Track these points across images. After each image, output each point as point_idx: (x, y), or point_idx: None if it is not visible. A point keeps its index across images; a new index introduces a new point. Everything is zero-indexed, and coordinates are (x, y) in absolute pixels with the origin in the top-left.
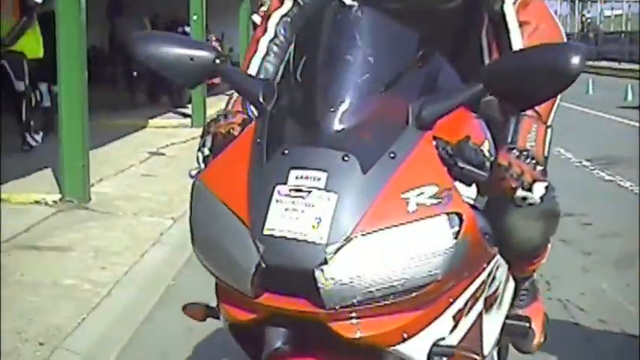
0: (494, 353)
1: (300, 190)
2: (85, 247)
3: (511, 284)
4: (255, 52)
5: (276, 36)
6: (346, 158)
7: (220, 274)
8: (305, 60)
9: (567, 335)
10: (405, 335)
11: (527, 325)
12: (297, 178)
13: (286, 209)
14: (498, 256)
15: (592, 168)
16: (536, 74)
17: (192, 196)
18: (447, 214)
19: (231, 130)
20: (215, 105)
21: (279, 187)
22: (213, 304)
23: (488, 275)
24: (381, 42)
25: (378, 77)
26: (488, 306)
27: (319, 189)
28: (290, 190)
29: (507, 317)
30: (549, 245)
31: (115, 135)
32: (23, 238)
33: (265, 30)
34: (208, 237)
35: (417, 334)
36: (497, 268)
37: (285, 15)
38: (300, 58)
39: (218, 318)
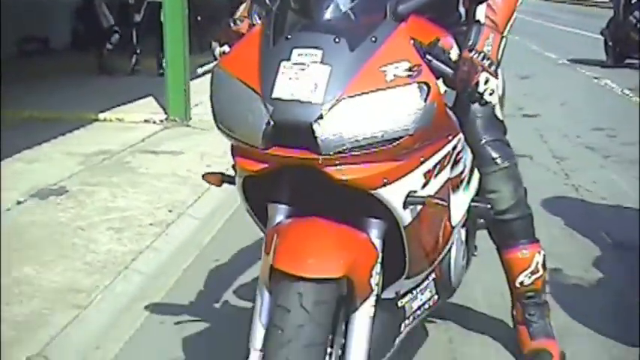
0: (462, 232)
1: (302, 64)
2: (192, 151)
3: (476, 175)
4: None
5: None
6: (337, 40)
7: (237, 135)
8: None
9: (571, 207)
10: (385, 181)
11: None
12: (298, 55)
13: (290, 78)
14: (464, 143)
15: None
16: None
17: (212, 80)
18: (418, 83)
19: (240, 31)
20: None
21: (284, 63)
22: None
23: (454, 149)
24: None
25: None
26: (455, 186)
27: (316, 62)
28: (293, 64)
29: (473, 200)
30: (539, 253)
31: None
32: (140, 145)
33: None
34: (227, 108)
35: (395, 182)
36: (463, 153)
37: None
38: None
39: (233, 183)
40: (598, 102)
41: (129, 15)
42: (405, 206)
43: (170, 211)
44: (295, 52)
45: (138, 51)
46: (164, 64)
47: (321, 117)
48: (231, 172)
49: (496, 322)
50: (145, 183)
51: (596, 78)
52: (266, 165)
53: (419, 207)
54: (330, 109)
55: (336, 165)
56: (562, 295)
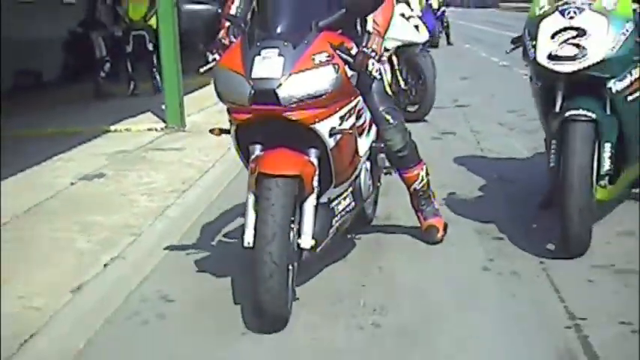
0: (368, 164)
1: (267, 57)
2: (191, 147)
3: (374, 129)
4: (233, 2)
5: None
6: (285, 44)
7: (232, 100)
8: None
9: (475, 161)
10: (317, 120)
11: (437, 231)
12: (265, 52)
13: (261, 65)
14: (364, 105)
15: None
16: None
17: (215, 73)
18: (332, 64)
19: (225, 45)
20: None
21: (257, 57)
22: None
23: (356, 106)
24: None
25: (301, 10)
26: (360, 132)
27: (274, 55)
28: (262, 58)
29: (374, 142)
30: (422, 169)
31: (196, 87)
32: (150, 145)
33: None
34: (225, 86)
35: (323, 120)
36: (364, 111)
37: None
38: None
39: (228, 133)
40: (522, 93)
41: (120, 46)
42: (330, 136)
43: (183, 183)
44: (262, 51)
45: (134, 77)
46: (159, 84)
47: (280, 85)
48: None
49: (413, 227)
50: (161, 168)
51: (526, 75)
52: (250, 115)
53: (338, 136)
54: (285, 80)
55: (289, 112)
56: (454, 206)
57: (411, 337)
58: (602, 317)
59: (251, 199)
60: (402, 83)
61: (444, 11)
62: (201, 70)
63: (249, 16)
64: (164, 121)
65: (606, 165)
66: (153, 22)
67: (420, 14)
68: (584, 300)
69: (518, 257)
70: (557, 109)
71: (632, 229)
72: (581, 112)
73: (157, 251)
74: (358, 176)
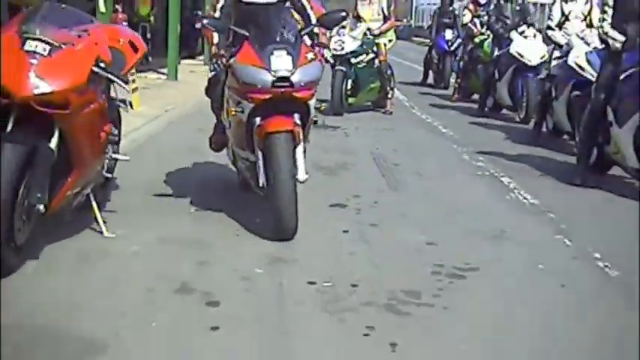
0: None
1: (279, 56)
2: (186, 84)
3: None
4: (217, 2)
5: None
6: (289, 48)
7: (255, 85)
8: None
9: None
10: (311, 97)
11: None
12: (277, 52)
13: (277, 60)
14: None
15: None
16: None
17: (234, 67)
18: (319, 60)
19: (224, 53)
20: None
21: (271, 56)
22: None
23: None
24: (280, 16)
25: (282, 24)
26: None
27: (284, 55)
28: (275, 57)
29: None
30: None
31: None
32: (160, 82)
33: None
34: (246, 76)
35: (312, 98)
36: None
37: None
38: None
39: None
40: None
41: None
42: (314, 110)
43: (169, 110)
44: (275, 52)
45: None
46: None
47: (292, 74)
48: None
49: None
50: (167, 94)
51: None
52: (269, 95)
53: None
54: (295, 71)
55: (297, 92)
56: None
57: None
58: None
59: (260, 153)
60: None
61: None
62: (210, 75)
63: (231, 23)
64: (165, 75)
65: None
66: (152, 18)
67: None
68: None
69: None
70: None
71: None
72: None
73: (159, 131)
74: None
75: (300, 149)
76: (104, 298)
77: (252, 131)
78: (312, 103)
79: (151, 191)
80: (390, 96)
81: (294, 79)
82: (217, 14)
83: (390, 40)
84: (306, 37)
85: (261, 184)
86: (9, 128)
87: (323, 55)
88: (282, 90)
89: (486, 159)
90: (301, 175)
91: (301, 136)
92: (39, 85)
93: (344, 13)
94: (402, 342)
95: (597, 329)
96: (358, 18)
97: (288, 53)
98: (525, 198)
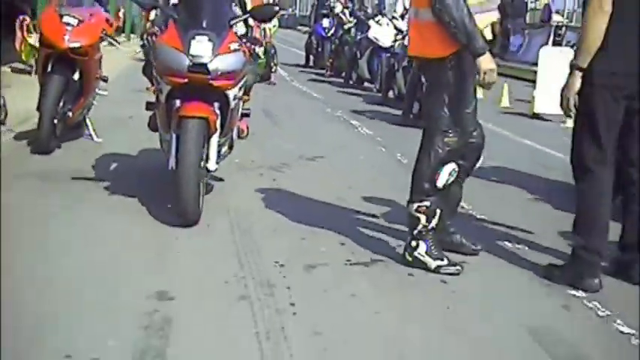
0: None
1: (200, 41)
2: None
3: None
4: None
5: None
6: (212, 35)
7: (171, 67)
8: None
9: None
10: (229, 87)
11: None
12: (198, 37)
13: (197, 45)
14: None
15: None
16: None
17: (155, 46)
18: (242, 51)
19: (156, 32)
20: None
21: (192, 40)
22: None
23: (244, 82)
24: (211, 1)
25: (216, 10)
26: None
27: (205, 40)
28: (196, 42)
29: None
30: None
31: None
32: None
33: None
34: (165, 57)
35: (232, 89)
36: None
37: None
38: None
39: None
40: None
41: None
42: (233, 100)
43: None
44: (197, 36)
45: None
46: None
47: (210, 61)
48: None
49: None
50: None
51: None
52: (185, 80)
53: (237, 100)
54: (213, 58)
55: (214, 80)
56: None
57: None
58: None
59: (174, 136)
60: None
61: None
62: (139, 49)
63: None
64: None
65: None
66: None
67: None
68: None
69: None
70: None
71: None
72: None
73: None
74: (232, 130)
75: (214, 138)
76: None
77: (170, 113)
78: (231, 93)
79: None
80: (273, 70)
81: (211, 66)
82: None
83: (274, 26)
84: (241, 28)
85: (170, 167)
86: (49, 68)
87: (253, 50)
88: (198, 76)
89: (343, 112)
90: (212, 165)
91: (217, 126)
92: (71, 42)
93: (277, 8)
94: (280, 181)
95: (382, 182)
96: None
97: (210, 40)
98: (365, 131)
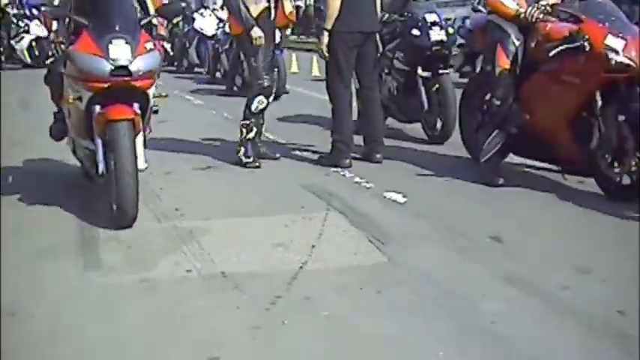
0: None
1: (117, 45)
2: None
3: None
4: None
5: None
6: (128, 37)
7: (92, 73)
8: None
9: None
10: (149, 86)
11: None
12: (115, 40)
13: (116, 50)
14: None
15: None
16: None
17: (71, 56)
18: (157, 50)
19: (63, 41)
20: None
21: (110, 45)
22: None
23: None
24: (118, 5)
25: (123, 14)
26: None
27: (123, 44)
28: (114, 45)
29: None
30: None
31: None
32: None
33: None
34: (83, 65)
35: (151, 87)
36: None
37: None
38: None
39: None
40: None
41: None
42: (152, 97)
43: None
44: (114, 40)
45: None
46: None
47: (130, 63)
48: None
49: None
50: None
51: None
52: (107, 84)
53: (154, 98)
54: (133, 60)
55: (135, 81)
56: None
57: None
58: None
59: (99, 141)
60: None
61: None
62: (49, 61)
63: (68, 9)
64: None
65: None
66: None
67: None
68: None
69: None
70: None
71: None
72: None
73: None
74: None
75: (140, 138)
76: None
77: (91, 119)
78: (150, 92)
79: None
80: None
81: (133, 68)
82: (56, 1)
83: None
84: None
85: (100, 172)
86: None
87: (163, 46)
88: (121, 79)
89: (180, 91)
90: (141, 164)
91: (141, 125)
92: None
93: (183, 4)
94: None
95: (214, 129)
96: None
97: (127, 42)
98: (199, 102)
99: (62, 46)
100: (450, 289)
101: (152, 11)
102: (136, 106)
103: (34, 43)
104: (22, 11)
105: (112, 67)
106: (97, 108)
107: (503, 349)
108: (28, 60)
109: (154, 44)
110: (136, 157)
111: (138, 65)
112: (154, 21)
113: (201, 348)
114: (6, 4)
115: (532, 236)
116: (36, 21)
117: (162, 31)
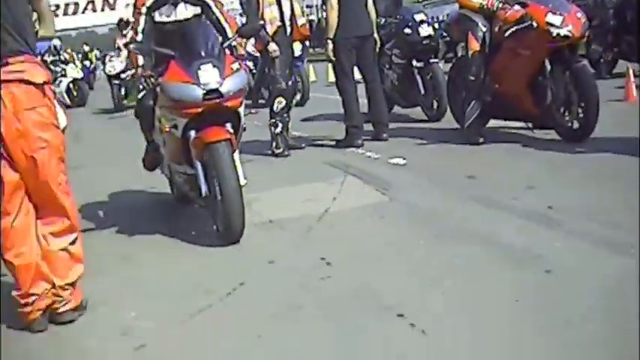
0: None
1: (206, 70)
2: None
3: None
4: (136, 30)
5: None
6: (215, 61)
7: (186, 100)
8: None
9: None
10: (239, 105)
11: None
12: (203, 66)
13: (205, 75)
14: None
15: None
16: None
17: (164, 86)
18: (243, 69)
19: (152, 74)
20: None
21: (199, 71)
22: None
23: None
24: (200, 32)
25: (206, 39)
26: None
27: (211, 68)
28: (204, 71)
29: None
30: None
31: None
32: None
33: (140, 12)
34: (177, 93)
35: (241, 105)
36: None
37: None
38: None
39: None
40: None
41: None
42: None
43: None
44: (202, 66)
45: None
46: None
47: (220, 85)
48: None
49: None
50: None
51: None
52: (201, 109)
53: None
54: (223, 82)
55: (227, 102)
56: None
57: None
58: None
59: (199, 164)
60: None
61: None
62: (140, 95)
63: (152, 45)
64: None
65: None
66: None
67: None
68: None
69: None
70: None
71: None
72: (116, 82)
73: None
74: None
75: (237, 155)
76: None
77: (187, 145)
78: (241, 110)
79: None
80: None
81: (223, 89)
82: (139, 37)
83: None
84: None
85: (203, 194)
86: None
87: (247, 65)
88: (214, 102)
89: None
90: (242, 181)
91: (236, 144)
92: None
93: (262, 22)
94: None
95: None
96: (119, 49)
97: (214, 66)
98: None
99: (152, 80)
100: (432, 211)
101: (230, 33)
102: (228, 125)
103: (71, 85)
104: (57, 57)
105: (204, 92)
106: (193, 133)
107: (467, 235)
108: (68, 101)
109: (240, 64)
110: (237, 174)
111: (228, 86)
112: (234, 42)
113: (260, 256)
114: (42, 53)
115: (499, 172)
116: (71, 65)
117: (242, 51)
